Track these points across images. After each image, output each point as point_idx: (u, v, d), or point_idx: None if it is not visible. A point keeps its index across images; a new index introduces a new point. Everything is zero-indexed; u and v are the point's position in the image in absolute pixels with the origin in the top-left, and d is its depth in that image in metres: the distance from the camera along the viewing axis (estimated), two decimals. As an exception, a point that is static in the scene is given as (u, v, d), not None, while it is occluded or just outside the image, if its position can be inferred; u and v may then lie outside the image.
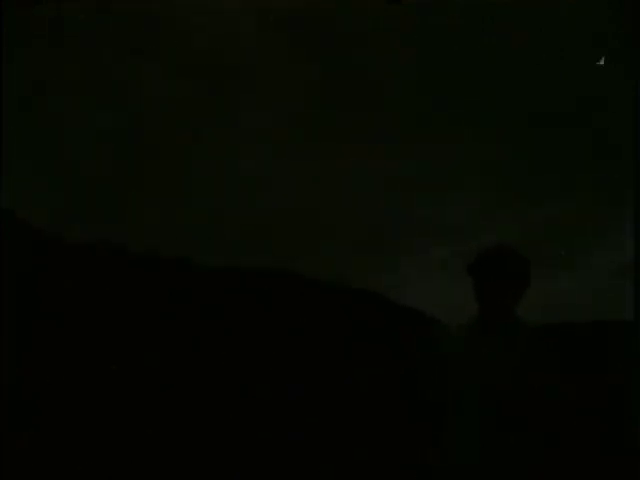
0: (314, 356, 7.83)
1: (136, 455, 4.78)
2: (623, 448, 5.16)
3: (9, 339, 5.49)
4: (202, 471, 4.91)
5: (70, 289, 7.14)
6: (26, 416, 4.87)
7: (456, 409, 1.88)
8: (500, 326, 1.92)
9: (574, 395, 1.86)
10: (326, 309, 9.54)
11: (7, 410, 4.73)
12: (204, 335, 7.54)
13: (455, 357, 1.94)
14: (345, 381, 7.25)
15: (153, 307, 7.67)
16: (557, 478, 1.82)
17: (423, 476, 1.93)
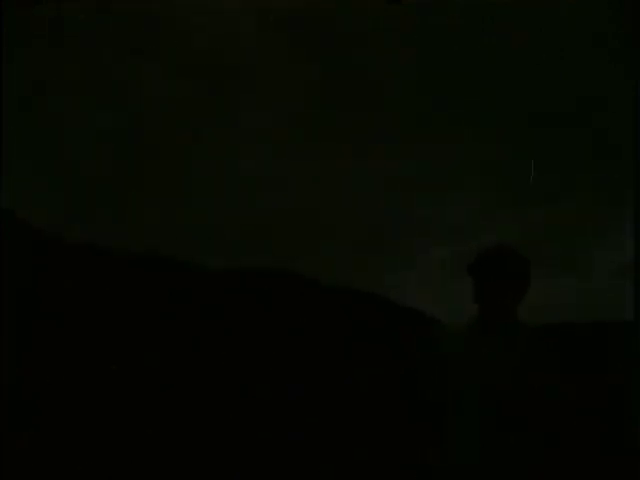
0: (314, 356, 7.83)
1: (136, 455, 4.78)
2: (623, 448, 5.16)
3: (9, 339, 5.48)
4: (202, 471, 4.91)
5: (70, 289, 7.14)
6: (26, 416, 4.87)
7: (456, 409, 1.88)
8: (500, 326, 1.92)
9: (574, 395, 1.86)
10: (326, 309, 9.53)
11: (7, 410, 4.73)
12: (204, 335, 7.54)
13: (455, 357, 1.94)
14: (345, 381, 7.25)
15: (153, 307, 7.66)
16: (557, 478, 1.82)
17: (423, 476, 1.93)
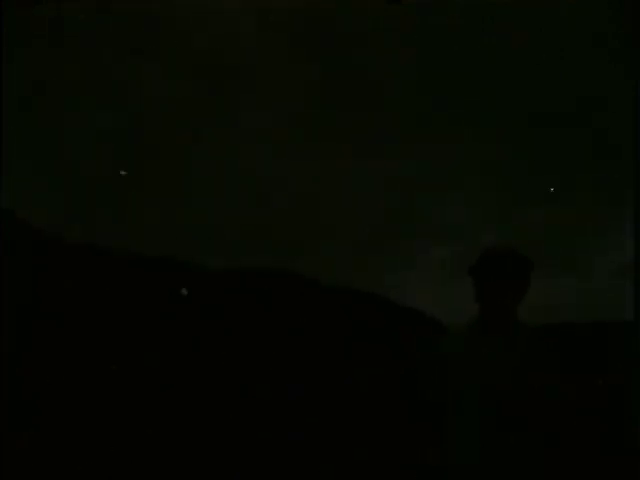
0: (314, 356, 7.83)
1: (136, 454, 4.78)
2: (623, 448, 5.16)
3: (9, 339, 5.48)
4: (202, 471, 4.91)
5: (70, 289, 7.14)
6: (26, 416, 4.87)
7: (456, 409, 1.88)
8: (500, 326, 1.92)
9: (574, 395, 1.86)
10: (326, 309, 9.53)
11: (7, 410, 4.73)
12: (204, 335, 7.54)
13: (455, 357, 1.94)
14: (345, 381, 7.25)
15: (153, 307, 7.66)
16: (557, 478, 1.82)
17: (423, 476, 1.93)
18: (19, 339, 5.72)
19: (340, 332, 9.03)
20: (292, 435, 5.63)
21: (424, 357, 2.04)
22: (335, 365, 7.79)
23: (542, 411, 1.83)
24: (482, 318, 1.94)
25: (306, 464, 5.18)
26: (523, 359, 1.88)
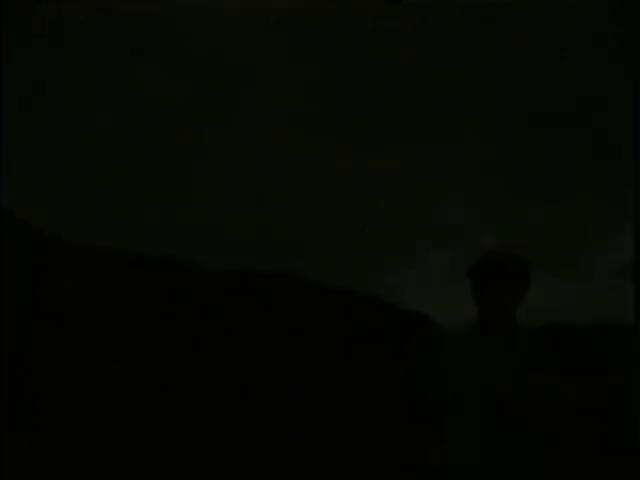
0: (314, 356, 7.83)
1: (136, 454, 4.78)
2: (623, 448, 5.16)
3: (9, 339, 5.48)
4: (202, 471, 4.91)
5: (70, 289, 7.14)
6: (26, 416, 4.87)
7: (456, 409, 1.88)
8: (500, 327, 1.93)
9: (574, 395, 1.86)
10: (326, 309, 9.54)
11: (7, 410, 4.73)
12: (204, 336, 7.54)
13: (455, 357, 1.94)
14: (345, 381, 7.25)
15: (153, 308, 7.66)
16: (557, 478, 1.82)
17: (423, 476, 1.93)
18: (19, 339, 5.72)
19: (340, 332, 9.03)
20: (292, 435, 5.63)
21: (424, 357, 2.04)
22: (335, 365, 7.79)
23: (542, 411, 1.83)
24: (482, 318, 1.94)
25: (306, 464, 5.18)
26: (523, 359, 1.88)
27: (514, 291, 1.92)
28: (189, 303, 8.15)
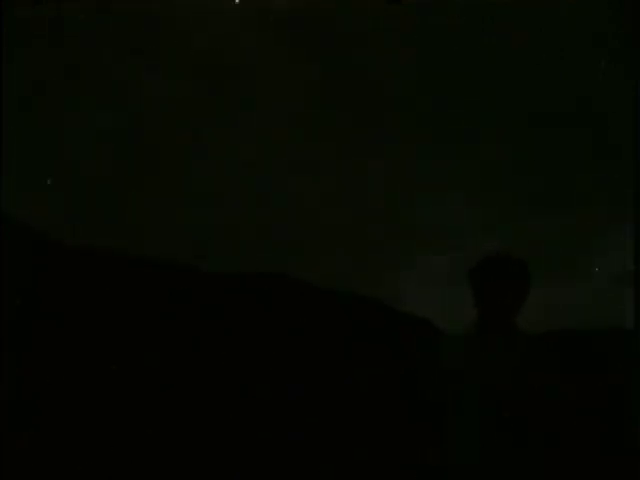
0: (314, 356, 7.84)
1: (136, 455, 4.78)
2: (623, 448, 5.17)
3: (9, 339, 5.49)
4: (202, 471, 4.91)
5: (70, 289, 7.15)
6: (26, 416, 4.87)
7: (456, 409, 1.88)
8: (500, 327, 1.93)
9: (574, 395, 1.87)
10: (326, 310, 9.54)
11: (7, 410, 4.73)
12: (204, 337, 7.54)
13: (455, 358, 1.94)
14: (345, 381, 7.25)
15: (153, 308, 7.67)
16: (557, 478, 1.82)
17: (423, 476, 1.93)
18: (19, 339, 5.73)
19: (340, 332, 9.03)
20: (292, 435, 5.63)
21: (424, 358, 2.04)
22: (335, 365, 7.79)
23: (542, 411, 1.83)
24: (482, 319, 1.94)
25: (306, 464, 5.18)
26: (523, 359, 1.88)
27: (514, 292, 1.93)
28: (189, 303, 8.16)
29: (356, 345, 8.64)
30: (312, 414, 6.19)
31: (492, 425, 1.83)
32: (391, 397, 6.67)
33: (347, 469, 5.16)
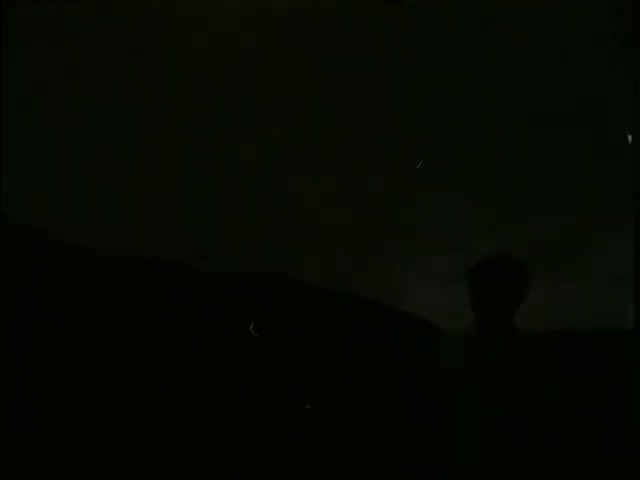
0: (314, 356, 7.84)
1: (136, 455, 4.79)
2: (623, 448, 5.16)
3: (9, 339, 5.49)
4: (202, 471, 4.91)
5: (70, 289, 7.15)
6: (26, 416, 4.87)
7: (456, 409, 1.88)
8: (500, 327, 1.93)
9: (574, 395, 1.87)
10: (326, 310, 9.54)
11: (7, 410, 4.73)
12: (205, 336, 7.54)
13: (455, 358, 1.95)
14: (345, 381, 7.25)
15: (153, 308, 7.67)
16: (557, 478, 1.82)
17: (423, 476, 1.93)
18: (19, 339, 5.72)
19: (340, 332, 9.04)
20: (292, 435, 5.63)
21: (424, 358, 2.04)
22: (335, 365, 7.79)
23: (542, 411, 1.83)
24: (481, 319, 1.94)
25: (306, 464, 5.18)
26: (523, 359, 1.88)
27: (513, 292, 1.93)
28: (189, 303, 8.16)
29: (356, 345, 8.64)
30: (312, 414, 6.19)
31: (492, 425, 1.83)
32: (391, 397, 6.67)
33: (347, 469, 5.16)
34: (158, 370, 6.31)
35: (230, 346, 7.61)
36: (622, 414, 5.93)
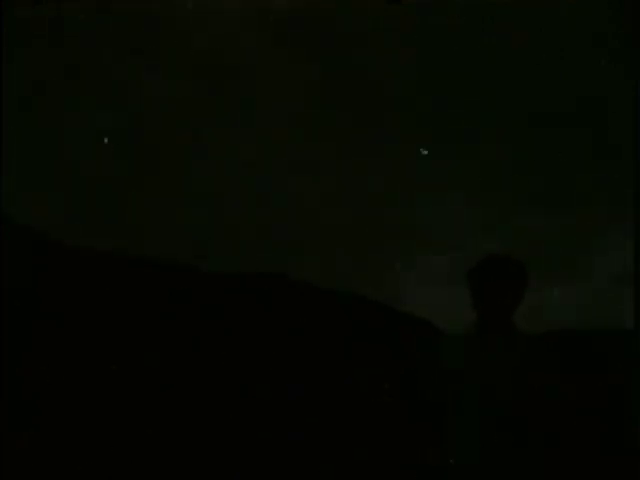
0: (314, 356, 7.84)
1: (136, 455, 4.78)
2: (623, 448, 5.17)
3: (9, 339, 5.49)
4: (202, 471, 4.91)
5: (70, 289, 7.15)
6: (26, 416, 4.87)
7: (456, 409, 1.88)
8: (500, 327, 1.93)
9: (574, 395, 1.87)
10: (326, 310, 9.54)
11: (7, 410, 4.73)
12: (205, 336, 7.54)
13: (455, 358, 1.95)
14: (345, 381, 7.25)
15: (153, 308, 7.67)
16: (557, 478, 1.82)
17: (423, 476, 1.93)
18: (19, 339, 5.72)
19: (340, 332, 9.03)
20: (292, 435, 5.63)
21: (425, 358, 2.04)
22: (335, 365, 7.79)
23: (542, 411, 1.83)
24: (481, 319, 1.95)
25: (306, 464, 5.18)
26: (523, 359, 1.88)
27: (513, 292, 1.93)
28: (189, 303, 8.16)
29: (356, 345, 8.64)
30: (312, 414, 6.19)
31: (492, 425, 1.83)
32: (391, 397, 6.67)
33: (347, 469, 5.16)
34: (158, 370, 6.31)
35: (230, 346, 7.61)
36: (622, 414, 5.92)
